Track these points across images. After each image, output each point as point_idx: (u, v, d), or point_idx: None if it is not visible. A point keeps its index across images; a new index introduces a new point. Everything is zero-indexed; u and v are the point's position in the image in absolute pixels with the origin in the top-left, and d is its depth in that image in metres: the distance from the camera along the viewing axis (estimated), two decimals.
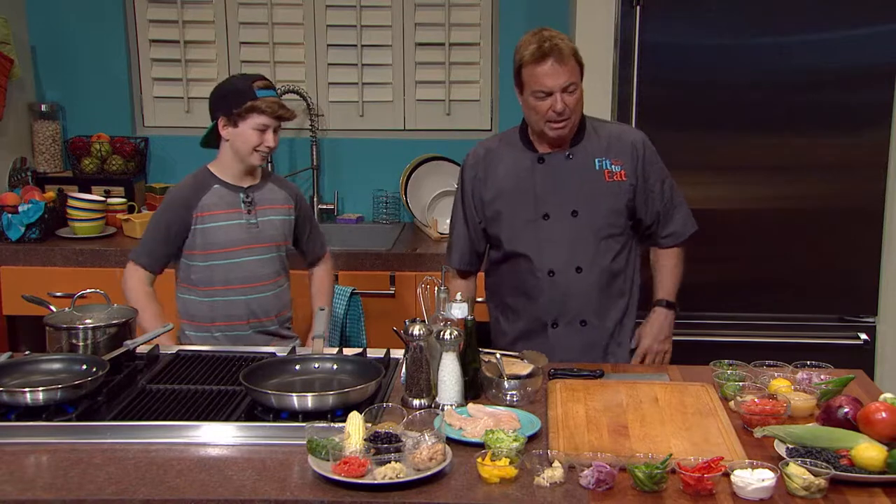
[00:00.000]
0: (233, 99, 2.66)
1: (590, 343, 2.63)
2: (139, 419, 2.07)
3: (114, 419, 2.07)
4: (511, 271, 2.67)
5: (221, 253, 2.70)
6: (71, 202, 3.87)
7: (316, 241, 2.98)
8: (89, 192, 4.04)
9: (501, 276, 2.72)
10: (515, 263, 2.65)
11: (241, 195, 2.73)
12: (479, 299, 2.82)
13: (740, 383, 2.22)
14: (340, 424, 1.93)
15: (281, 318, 2.82)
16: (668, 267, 2.75)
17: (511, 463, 1.81)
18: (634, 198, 2.62)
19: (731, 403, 2.15)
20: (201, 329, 2.75)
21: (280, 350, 2.55)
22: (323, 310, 2.55)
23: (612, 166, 2.59)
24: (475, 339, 2.24)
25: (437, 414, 2.06)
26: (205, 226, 2.70)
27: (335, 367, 2.31)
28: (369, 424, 1.93)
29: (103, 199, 3.97)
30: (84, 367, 2.25)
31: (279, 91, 2.74)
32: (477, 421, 2.00)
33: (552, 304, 2.62)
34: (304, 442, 1.86)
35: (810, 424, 2.01)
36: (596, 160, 2.59)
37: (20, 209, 3.72)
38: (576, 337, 2.62)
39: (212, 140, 2.76)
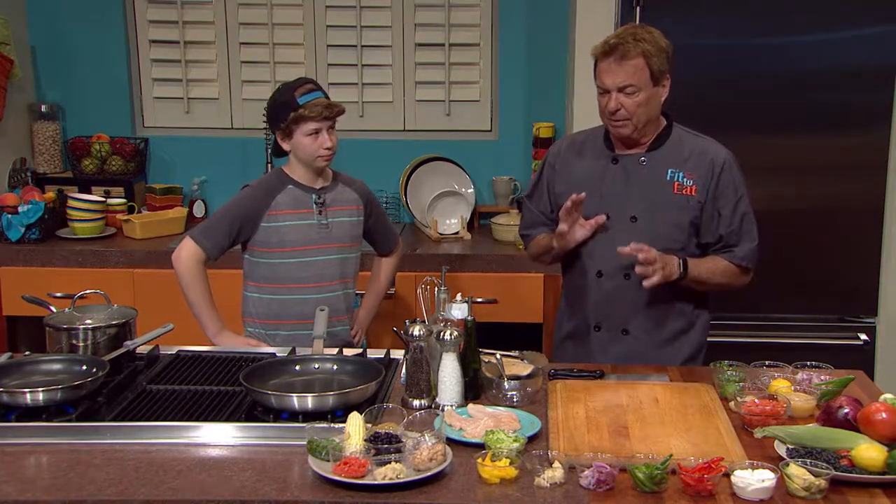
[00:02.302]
0: (279, 113, 2.71)
1: (631, 354, 2.58)
2: (139, 419, 2.07)
3: (114, 419, 2.07)
4: (570, 268, 2.67)
5: (292, 251, 2.73)
6: (71, 203, 3.87)
7: (387, 235, 3.01)
8: (89, 192, 4.04)
9: (565, 271, 2.72)
10: (572, 260, 2.64)
11: (314, 196, 2.76)
12: (479, 299, 2.83)
13: (740, 384, 2.22)
14: (341, 425, 1.93)
15: (348, 320, 2.85)
16: (712, 258, 2.57)
17: (511, 463, 1.81)
18: (701, 216, 2.53)
19: (732, 404, 2.15)
20: (266, 328, 2.77)
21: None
22: (323, 310, 2.55)
23: (685, 179, 2.52)
24: (475, 339, 2.24)
25: (438, 414, 2.06)
26: (277, 224, 2.72)
27: (335, 367, 2.31)
28: (369, 425, 1.93)
29: (103, 199, 3.96)
30: (84, 367, 2.25)
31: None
32: (477, 421, 2.00)
33: (597, 307, 2.60)
34: (305, 442, 1.86)
35: (810, 425, 2.01)
36: (669, 170, 2.53)
37: (20, 210, 3.71)
38: (617, 345, 2.59)
39: (279, 151, 2.80)
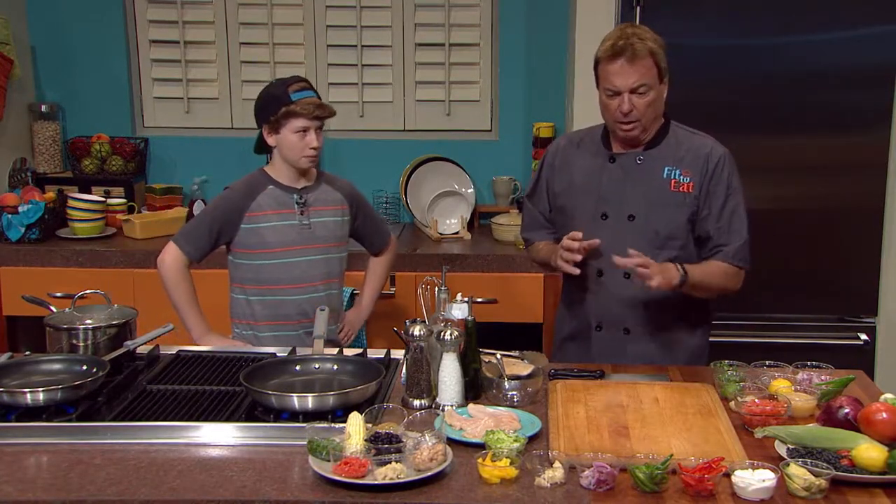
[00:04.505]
0: (270, 106, 2.69)
1: (632, 354, 2.57)
2: (139, 419, 2.07)
3: (114, 419, 2.07)
4: None
5: (273, 253, 2.72)
6: (71, 203, 3.87)
7: (377, 234, 3.00)
8: (89, 192, 4.04)
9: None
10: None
11: (295, 196, 2.75)
12: (479, 299, 2.82)
13: (741, 384, 2.22)
14: (341, 425, 1.93)
15: (334, 319, 2.83)
16: (707, 263, 2.58)
17: (511, 463, 1.81)
18: (698, 212, 2.53)
19: (732, 404, 2.14)
20: (252, 329, 2.76)
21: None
22: (324, 310, 2.55)
23: (681, 177, 2.51)
24: (475, 339, 2.24)
25: (438, 414, 2.06)
26: (258, 225, 2.71)
27: (335, 367, 2.31)
28: (370, 425, 1.93)
29: (103, 199, 3.97)
30: (84, 367, 2.25)
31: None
32: (477, 421, 2.00)
33: (598, 307, 2.60)
34: (305, 442, 1.85)
35: (811, 425, 2.01)
36: (665, 168, 2.53)
37: (20, 210, 3.72)
38: (618, 345, 2.59)
39: (262, 147, 2.79)
